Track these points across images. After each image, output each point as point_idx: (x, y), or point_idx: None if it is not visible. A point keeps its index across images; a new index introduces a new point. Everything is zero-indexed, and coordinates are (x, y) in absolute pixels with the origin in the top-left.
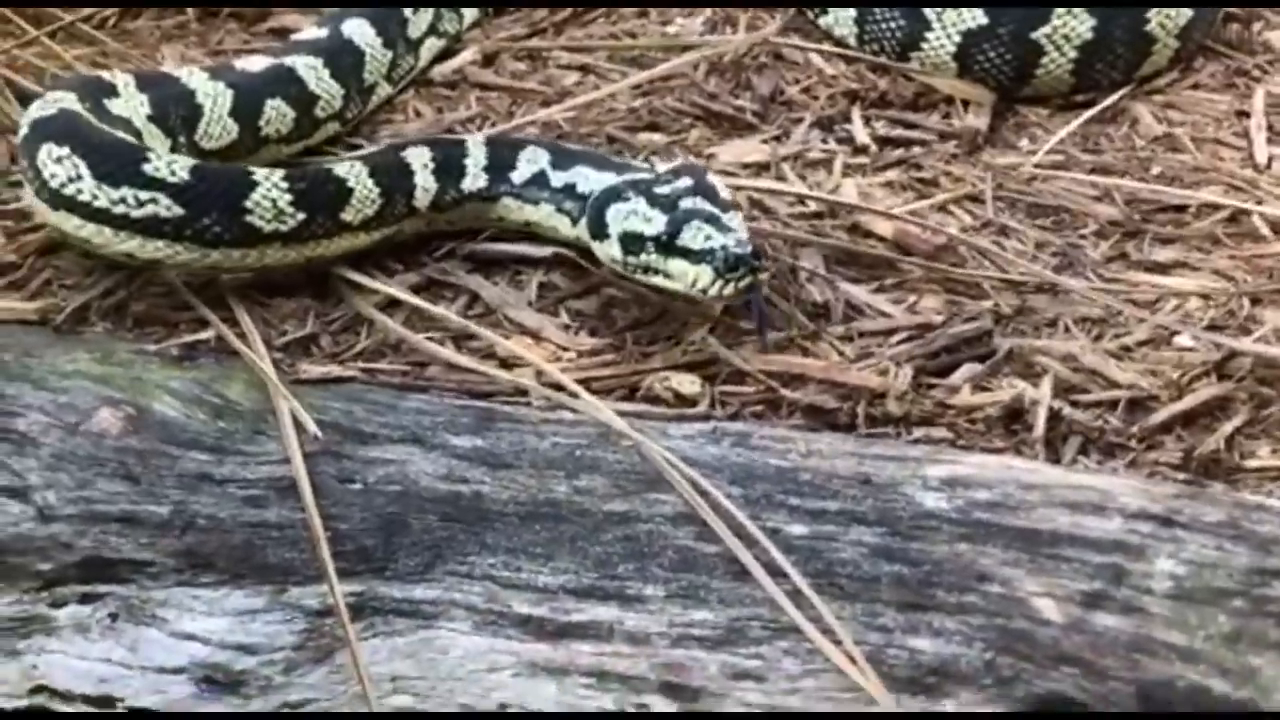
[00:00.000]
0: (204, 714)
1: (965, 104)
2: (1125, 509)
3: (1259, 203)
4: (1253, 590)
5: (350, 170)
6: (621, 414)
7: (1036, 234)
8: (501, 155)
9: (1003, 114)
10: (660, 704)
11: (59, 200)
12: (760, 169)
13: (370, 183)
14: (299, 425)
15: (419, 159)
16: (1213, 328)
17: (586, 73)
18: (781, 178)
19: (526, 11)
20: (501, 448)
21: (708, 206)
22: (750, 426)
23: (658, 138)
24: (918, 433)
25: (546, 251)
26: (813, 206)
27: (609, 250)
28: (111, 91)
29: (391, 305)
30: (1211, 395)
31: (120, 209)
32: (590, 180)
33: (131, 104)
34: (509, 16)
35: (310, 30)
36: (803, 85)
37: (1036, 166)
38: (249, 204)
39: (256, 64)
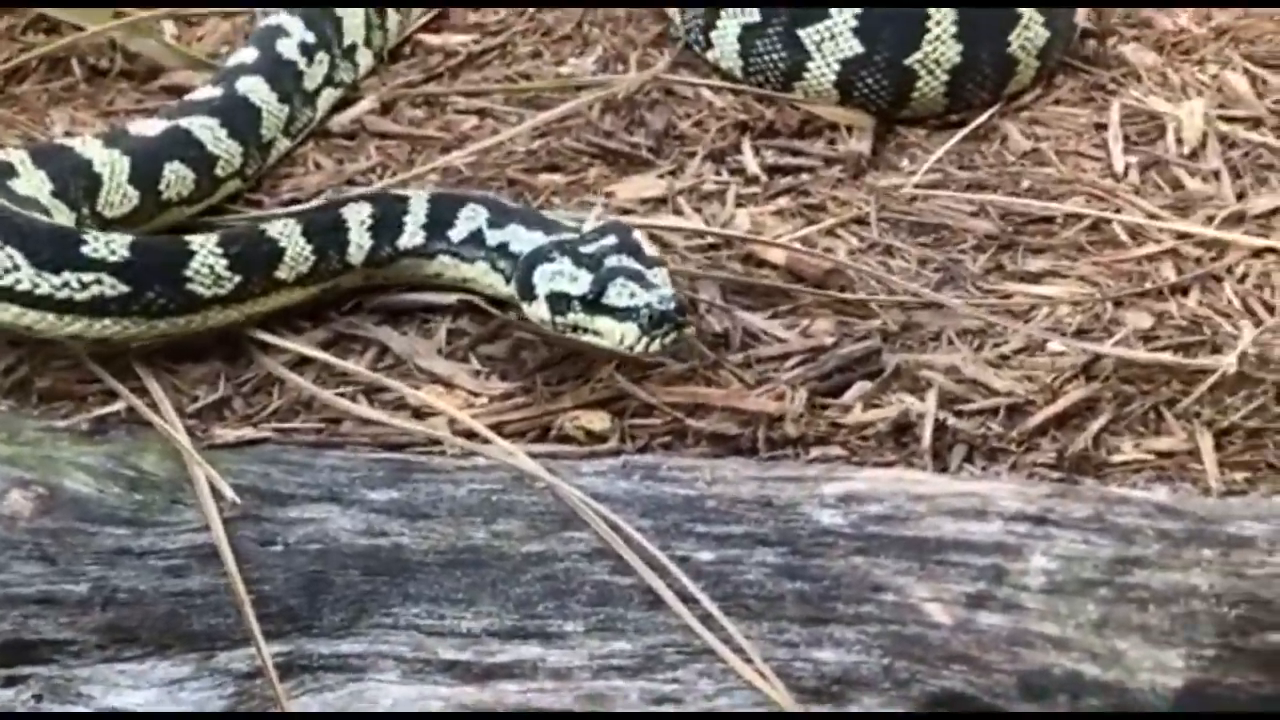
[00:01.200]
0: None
1: (848, 129)
2: (1004, 512)
3: (1118, 210)
4: (1116, 579)
5: (283, 230)
6: (534, 455)
7: (919, 252)
8: (442, 212)
9: (884, 137)
10: None
11: None
12: (658, 204)
13: (302, 241)
14: (216, 492)
15: (356, 215)
16: (1080, 332)
17: (484, 116)
18: (678, 211)
19: (422, 57)
20: (418, 499)
21: (632, 264)
22: (659, 458)
23: (558, 178)
24: (815, 452)
25: (452, 298)
26: (709, 239)
27: (538, 311)
28: (10, 171)
29: (302, 363)
30: (1080, 397)
31: (64, 293)
32: (521, 239)
33: (33, 182)
34: (404, 62)
35: (204, 90)
36: (694, 119)
37: (916, 187)
38: (189, 273)
39: (152, 127)
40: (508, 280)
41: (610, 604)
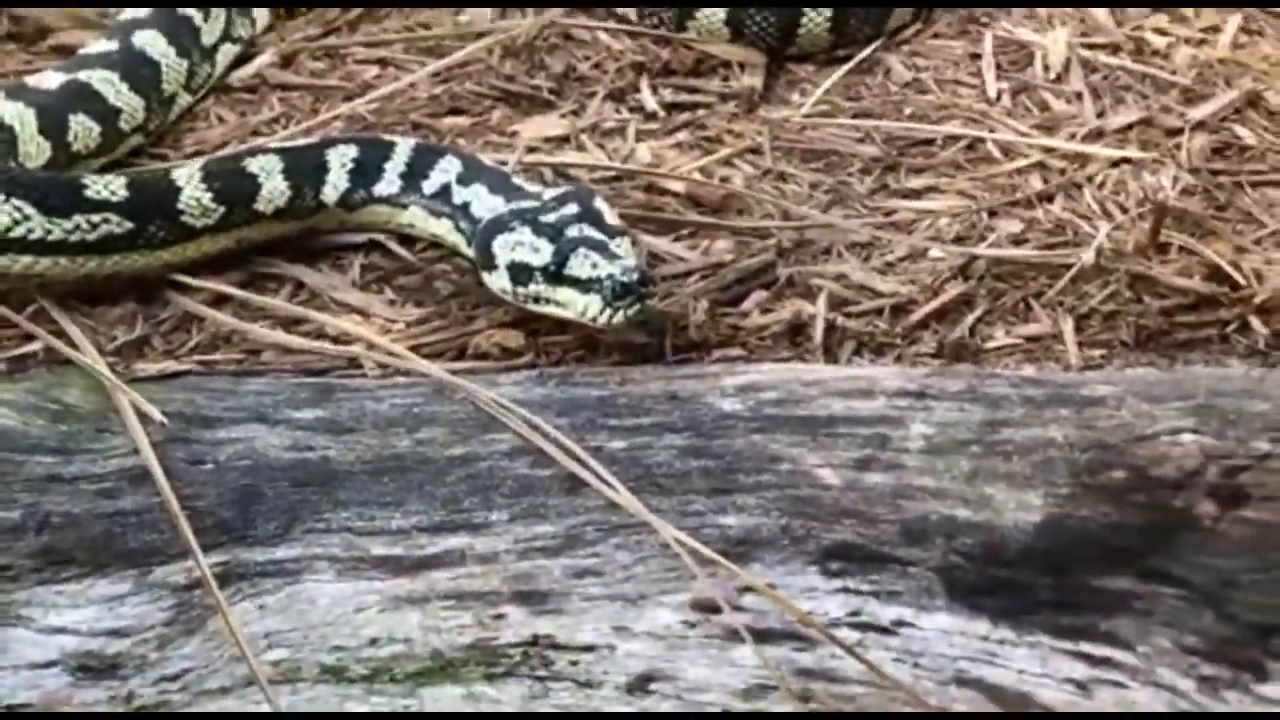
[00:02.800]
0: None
1: (741, 66)
2: (887, 390)
3: (991, 131)
4: (985, 438)
5: (262, 164)
6: (453, 372)
7: (810, 176)
8: (420, 162)
9: (775, 73)
10: (514, 611)
11: (5, 245)
12: (561, 142)
13: (280, 177)
14: (143, 417)
15: (339, 157)
16: (958, 239)
17: (385, 65)
18: (581, 148)
19: (320, 12)
20: (343, 415)
21: (595, 233)
22: (572, 368)
23: (462, 120)
24: (716, 354)
25: (363, 238)
26: (613, 172)
27: (499, 281)
28: None
29: (219, 301)
30: (957, 293)
31: (76, 236)
32: (483, 203)
33: None
34: (302, 18)
35: (99, 44)
36: (593, 61)
37: (806, 117)
38: (181, 205)
39: (49, 80)
40: (468, 243)
41: (532, 494)
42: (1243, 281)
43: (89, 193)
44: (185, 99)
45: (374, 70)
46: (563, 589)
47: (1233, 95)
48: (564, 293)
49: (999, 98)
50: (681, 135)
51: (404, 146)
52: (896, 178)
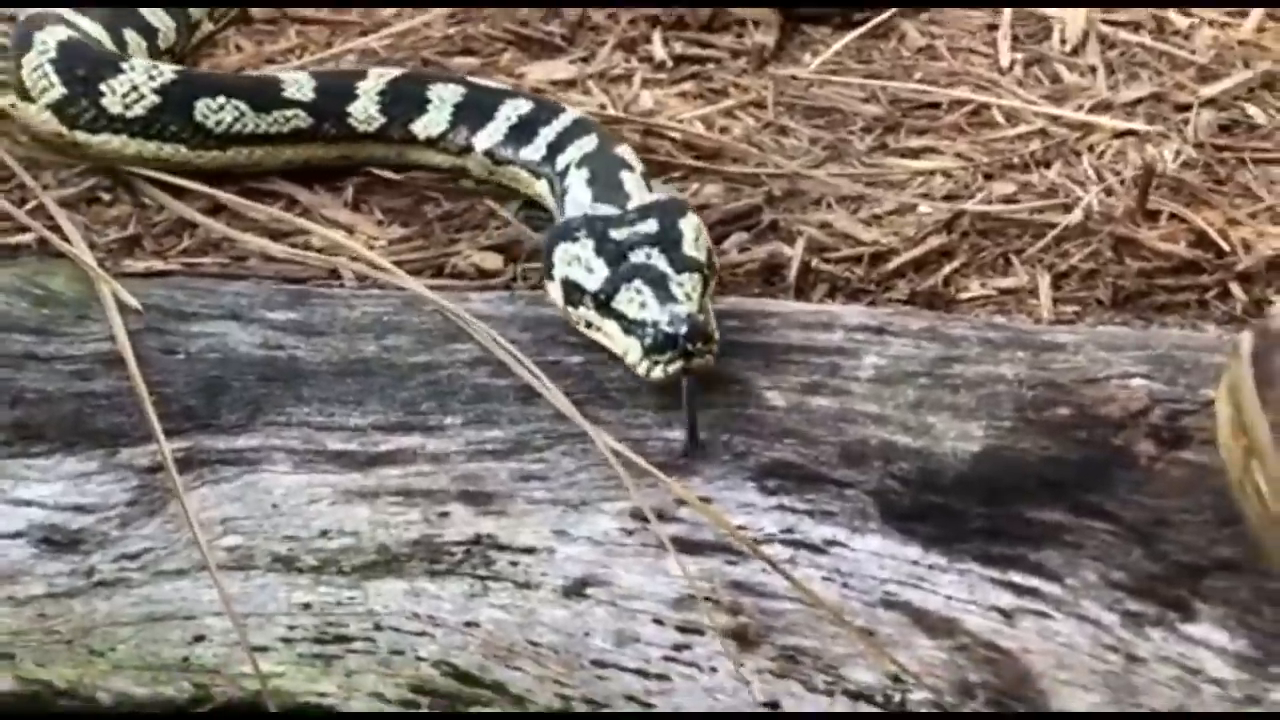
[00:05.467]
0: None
1: (755, 24)
2: (848, 324)
3: (998, 98)
4: (936, 371)
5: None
6: (428, 288)
7: (811, 132)
8: (566, 137)
9: (789, 33)
10: (460, 510)
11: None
12: (567, 86)
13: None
14: (122, 307)
15: (510, 112)
16: (949, 197)
17: (405, 5)
18: (587, 93)
19: None
20: (315, 319)
21: (661, 263)
22: (544, 292)
23: (472, 61)
24: None
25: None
26: (612, 114)
27: (554, 293)
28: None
29: (215, 210)
30: (938, 245)
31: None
32: (575, 195)
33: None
34: None
35: None
36: (608, 12)
37: (814, 74)
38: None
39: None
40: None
41: (487, 401)
42: (1228, 249)
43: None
44: (208, 26)
45: (391, 10)
46: (508, 491)
47: (1248, 75)
48: (610, 326)
49: (1011, 67)
50: (687, 86)
51: (566, 119)
52: (897, 137)
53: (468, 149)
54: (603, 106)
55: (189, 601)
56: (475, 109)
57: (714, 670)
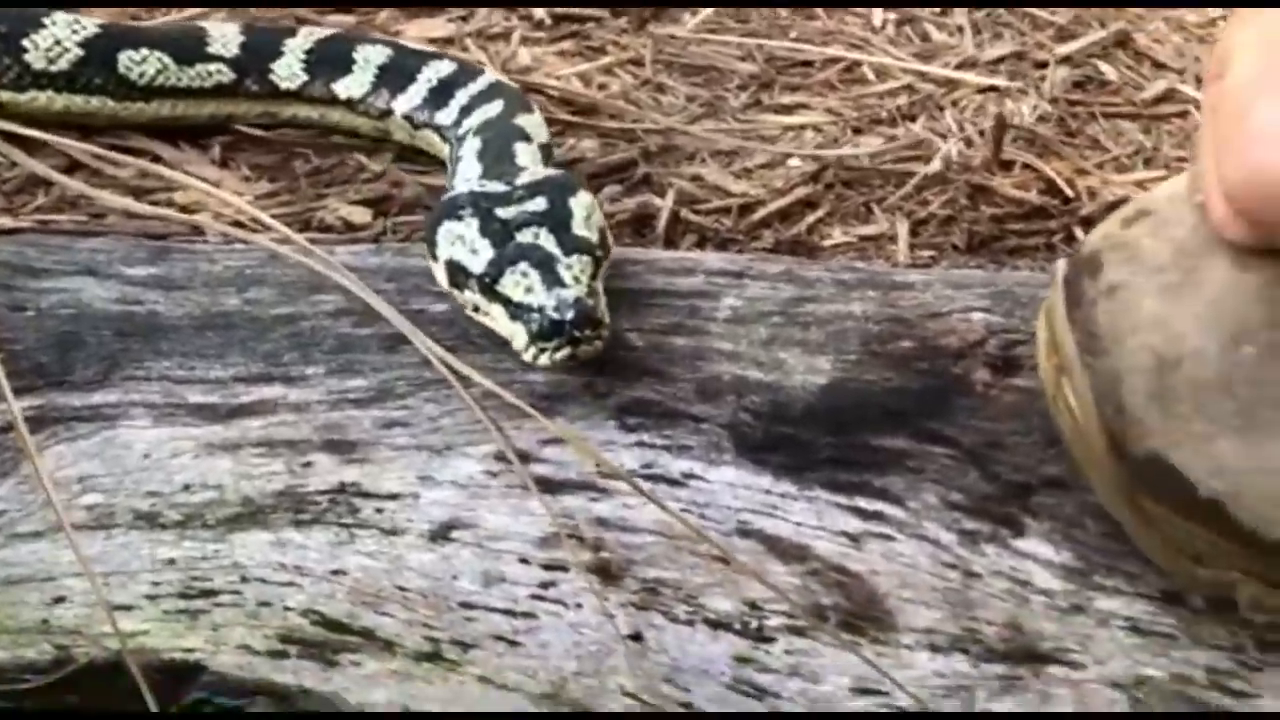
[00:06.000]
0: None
1: None
2: (709, 270)
3: (870, 55)
4: (789, 310)
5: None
6: (292, 244)
7: (688, 89)
8: (480, 100)
9: None
10: (323, 459)
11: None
12: (445, 43)
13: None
14: None
15: (431, 74)
16: (818, 150)
17: None
18: (464, 50)
19: None
20: (175, 273)
21: (549, 244)
22: (411, 245)
23: (348, 18)
24: None
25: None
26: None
27: (438, 275)
28: None
29: (72, 167)
30: (804, 195)
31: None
32: (465, 167)
33: None
34: None
35: None
36: None
37: (693, 33)
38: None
39: None
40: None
41: (350, 351)
42: (1075, 196)
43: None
44: None
45: None
46: (371, 439)
47: (1102, 34)
48: (496, 310)
49: (883, 26)
50: (566, 44)
51: (482, 82)
52: (771, 94)
53: (388, 112)
54: (480, 64)
55: (47, 563)
56: (398, 71)
57: (579, 606)
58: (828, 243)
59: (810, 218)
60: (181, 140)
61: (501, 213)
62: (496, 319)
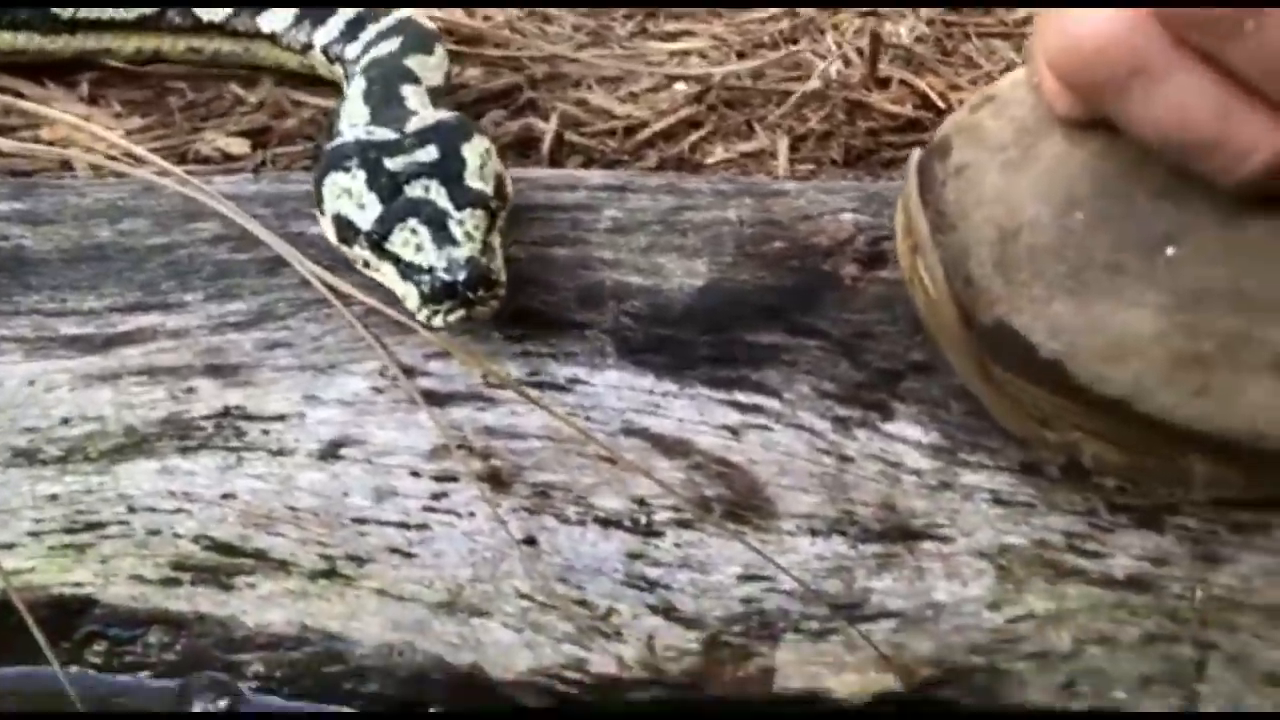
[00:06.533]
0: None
1: None
2: (591, 185)
3: None
4: (669, 219)
5: None
6: (168, 174)
7: (574, 19)
8: (360, 26)
9: None
10: (206, 384)
11: None
12: None
13: None
14: None
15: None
16: (702, 74)
17: None
18: None
19: None
20: (43, 208)
21: (441, 197)
22: (292, 172)
23: None
24: None
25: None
26: None
27: (326, 229)
28: None
29: None
30: (687, 115)
31: None
32: (351, 111)
33: None
34: None
35: None
36: None
37: None
38: None
39: None
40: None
41: (229, 276)
42: (946, 108)
43: None
44: None
45: None
46: (253, 361)
47: None
48: (387, 268)
49: None
50: None
51: (392, 18)
52: (656, 22)
53: (309, 46)
54: None
55: None
56: (320, 3)
57: (472, 515)
58: (710, 160)
59: (693, 137)
60: (46, 77)
61: (390, 164)
62: (388, 277)
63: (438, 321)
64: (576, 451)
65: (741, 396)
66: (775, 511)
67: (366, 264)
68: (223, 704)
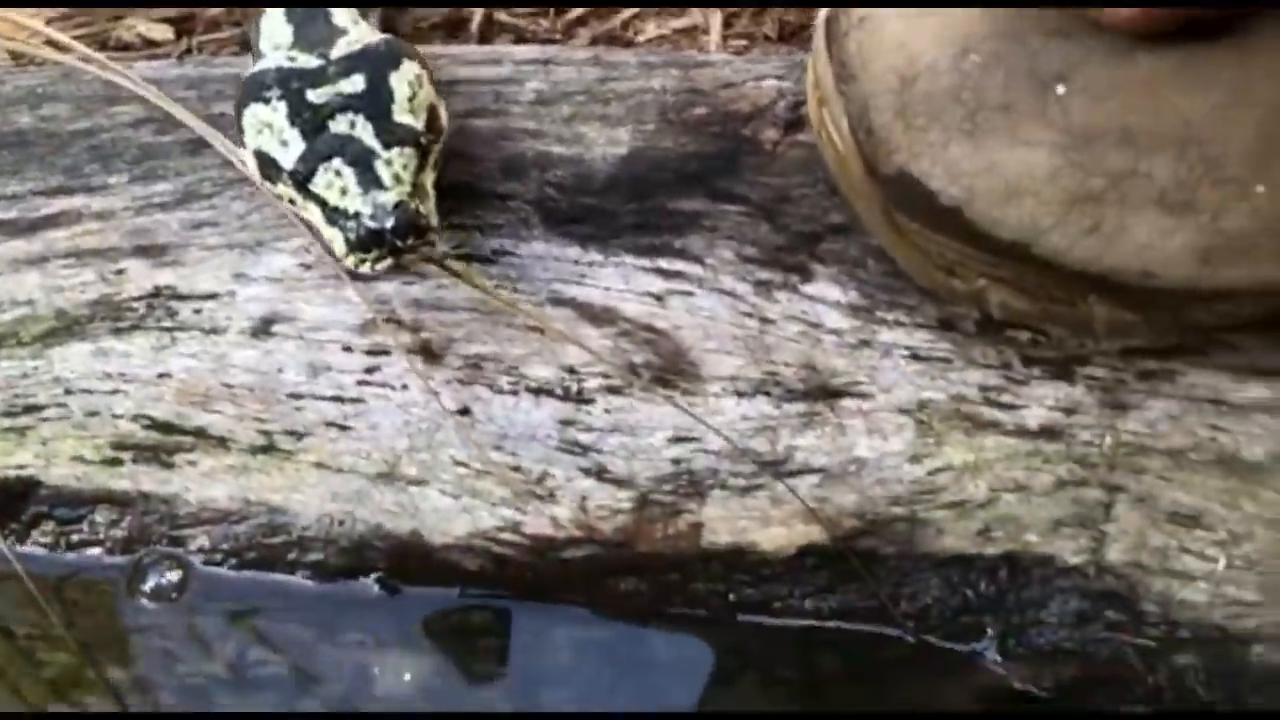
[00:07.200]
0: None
1: None
2: (516, 59)
3: None
4: (593, 90)
5: None
6: (89, 60)
7: None
8: None
9: None
10: (135, 265)
11: None
12: None
13: None
14: None
15: None
16: None
17: None
18: None
19: None
20: None
21: (365, 136)
22: (216, 57)
23: None
24: None
25: None
26: None
27: (249, 164)
28: None
29: None
30: None
31: None
32: (271, 30)
33: None
34: None
35: None
36: None
37: None
38: None
39: None
40: None
41: (153, 158)
42: None
43: None
44: None
45: None
46: (181, 241)
47: None
48: (313, 210)
49: None
50: None
51: None
52: None
53: None
54: None
55: None
56: None
57: (405, 387)
58: (641, 38)
59: (625, 13)
60: None
61: (313, 95)
62: (314, 217)
63: (365, 269)
64: (505, 323)
65: (665, 263)
66: (701, 375)
67: (292, 201)
68: (174, 576)
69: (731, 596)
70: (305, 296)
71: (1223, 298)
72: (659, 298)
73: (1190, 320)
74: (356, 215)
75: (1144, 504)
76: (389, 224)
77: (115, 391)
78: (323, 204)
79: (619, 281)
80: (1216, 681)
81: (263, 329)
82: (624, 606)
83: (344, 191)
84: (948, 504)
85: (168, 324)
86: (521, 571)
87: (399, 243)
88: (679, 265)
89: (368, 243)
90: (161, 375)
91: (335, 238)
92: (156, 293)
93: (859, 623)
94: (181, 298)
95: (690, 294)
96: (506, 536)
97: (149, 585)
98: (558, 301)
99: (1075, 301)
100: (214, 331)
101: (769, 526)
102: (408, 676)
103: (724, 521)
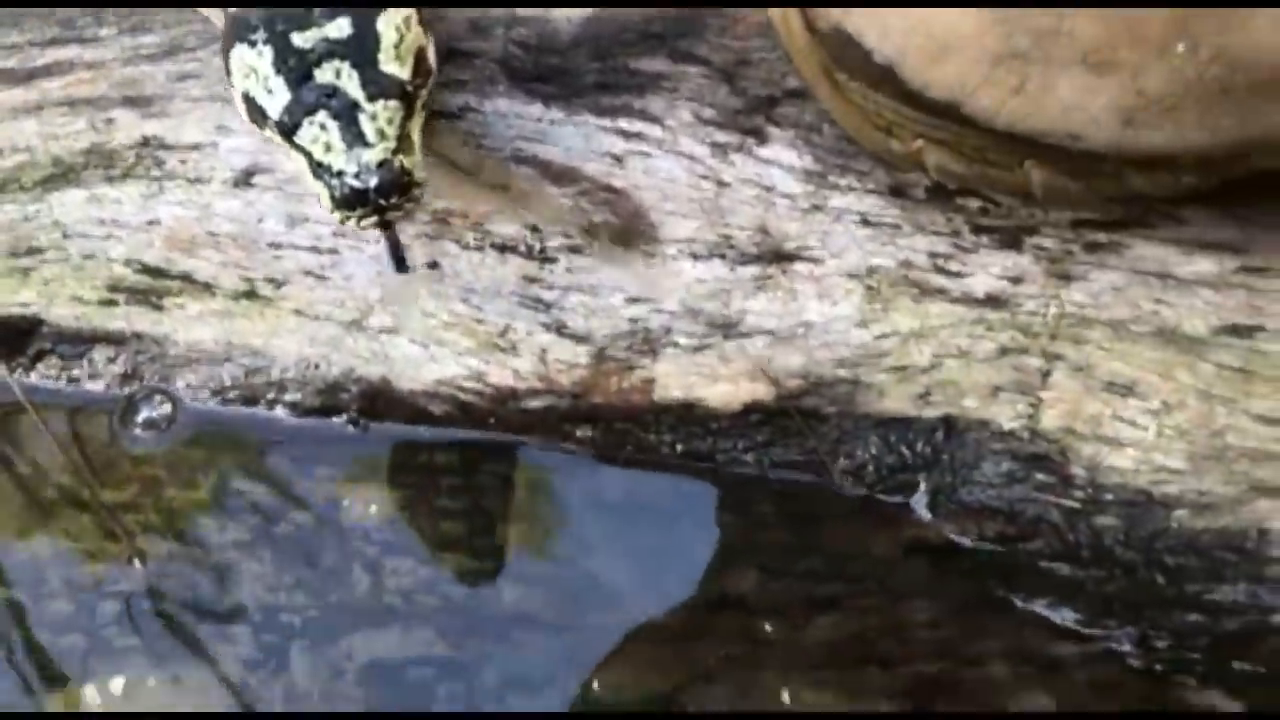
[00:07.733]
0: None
1: None
2: None
3: None
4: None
5: None
6: None
7: None
8: None
9: None
10: (124, 114)
11: None
12: None
13: None
14: None
15: None
16: None
17: None
18: None
19: None
20: None
21: (350, 87)
22: None
23: None
24: None
25: None
26: None
27: (237, 104)
28: None
29: None
30: None
31: None
32: None
33: None
34: None
35: None
36: None
37: None
38: None
39: None
40: None
41: (141, 10)
42: None
43: None
44: None
45: None
46: (167, 93)
47: None
48: (300, 161)
49: None
50: None
51: None
52: None
53: None
54: None
55: None
56: None
57: (378, 241)
58: None
59: None
60: None
61: (298, 39)
62: (301, 167)
63: (350, 226)
64: (471, 180)
65: (626, 124)
66: (659, 236)
67: (280, 143)
68: (166, 409)
69: (679, 447)
70: (284, 149)
71: (1158, 164)
72: (618, 158)
73: (1131, 188)
74: (340, 174)
75: (1082, 373)
76: (372, 183)
77: (109, 237)
78: (308, 156)
79: (580, 141)
80: (1135, 543)
81: (244, 180)
82: (579, 453)
83: (328, 147)
84: (891, 368)
85: (156, 173)
86: (484, 417)
87: (383, 201)
88: (639, 126)
89: (352, 201)
90: (151, 222)
91: (321, 193)
92: (145, 142)
93: (798, 474)
94: (168, 147)
95: (649, 155)
96: (470, 385)
97: (141, 417)
98: (521, 159)
99: (1013, 166)
100: (199, 181)
101: (717, 383)
102: (374, 509)
103: (675, 377)
